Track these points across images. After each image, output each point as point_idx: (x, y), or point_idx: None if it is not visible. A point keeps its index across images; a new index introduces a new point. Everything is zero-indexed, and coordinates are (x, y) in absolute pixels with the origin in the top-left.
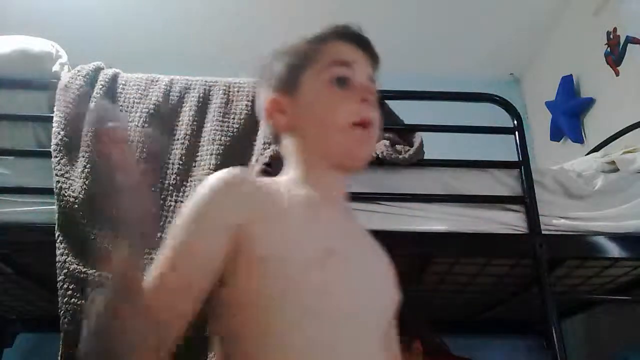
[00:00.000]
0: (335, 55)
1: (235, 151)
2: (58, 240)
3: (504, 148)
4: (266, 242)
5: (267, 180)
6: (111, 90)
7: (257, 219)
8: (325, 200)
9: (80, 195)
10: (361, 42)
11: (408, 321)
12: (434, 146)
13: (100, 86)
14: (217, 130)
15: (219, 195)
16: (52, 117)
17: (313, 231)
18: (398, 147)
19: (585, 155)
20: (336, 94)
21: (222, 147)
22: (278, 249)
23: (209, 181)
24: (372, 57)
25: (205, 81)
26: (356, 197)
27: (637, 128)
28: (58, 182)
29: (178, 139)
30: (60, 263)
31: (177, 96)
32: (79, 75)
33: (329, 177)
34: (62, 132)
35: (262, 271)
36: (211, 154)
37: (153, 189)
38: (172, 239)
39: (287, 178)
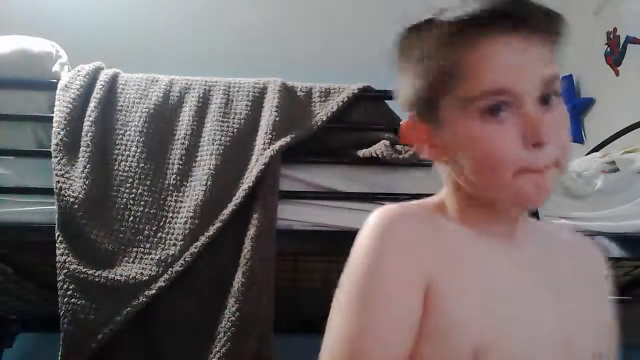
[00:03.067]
0: (490, 76)
1: (235, 151)
2: (58, 240)
3: None
4: (457, 304)
5: (421, 212)
6: (111, 90)
7: (441, 271)
8: (494, 240)
9: (80, 195)
10: (532, 23)
11: None
12: None
13: (100, 86)
14: (217, 130)
15: (395, 247)
16: (52, 117)
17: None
18: (398, 147)
19: (585, 155)
20: (492, 129)
21: (222, 147)
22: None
23: (371, 232)
24: (550, 32)
25: (205, 81)
26: (356, 197)
27: (637, 128)
28: (58, 182)
29: (178, 139)
30: (60, 263)
31: (177, 96)
32: (79, 75)
33: (493, 217)
34: (62, 132)
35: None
36: (211, 154)
37: (153, 188)
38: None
39: (438, 207)
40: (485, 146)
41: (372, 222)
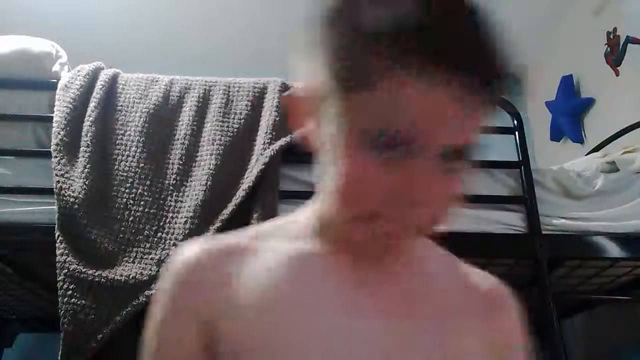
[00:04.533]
0: (390, 116)
1: (235, 151)
2: (58, 240)
3: (504, 148)
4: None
5: (242, 241)
6: (111, 90)
7: (223, 312)
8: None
9: (80, 195)
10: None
11: None
12: None
13: (100, 86)
14: (217, 130)
15: (180, 285)
16: (52, 117)
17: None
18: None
19: (585, 155)
20: (370, 162)
21: (222, 147)
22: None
23: (166, 273)
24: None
25: (205, 81)
26: None
27: (637, 128)
28: (58, 182)
29: (178, 139)
30: (60, 263)
31: (177, 96)
32: (79, 75)
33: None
34: (62, 132)
35: None
36: (211, 154)
37: (153, 188)
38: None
39: (303, 221)
40: (347, 177)
41: (171, 262)
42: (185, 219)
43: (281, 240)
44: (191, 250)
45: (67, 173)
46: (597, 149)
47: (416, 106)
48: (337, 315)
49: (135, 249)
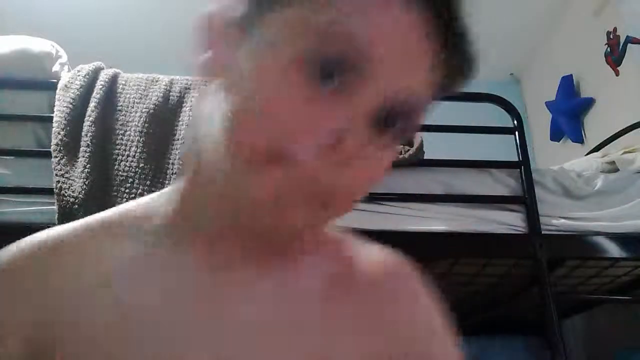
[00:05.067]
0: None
1: None
2: None
3: (504, 148)
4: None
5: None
6: (111, 90)
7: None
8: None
9: (80, 195)
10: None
11: None
12: (434, 146)
13: (100, 86)
14: None
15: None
16: (52, 117)
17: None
18: (398, 147)
19: (585, 155)
20: (306, 95)
21: None
22: None
23: None
24: (454, 50)
25: (205, 81)
26: None
27: (637, 128)
28: (58, 182)
29: (178, 139)
30: None
31: (177, 96)
32: (79, 75)
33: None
34: (62, 132)
35: None
36: None
37: (153, 189)
38: None
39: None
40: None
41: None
42: None
43: (128, 234)
44: (8, 253)
45: (67, 173)
46: (597, 149)
47: (376, 27)
48: (195, 331)
49: None
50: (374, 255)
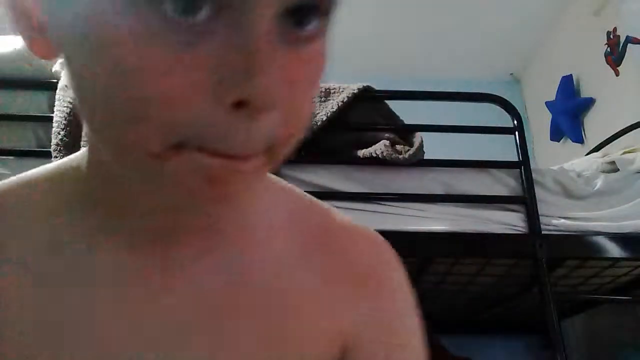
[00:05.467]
0: None
1: None
2: None
3: (504, 148)
4: None
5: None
6: None
7: None
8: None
9: None
10: None
11: None
12: (434, 146)
13: None
14: None
15: None
16: (52, 117)
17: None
18: (398, 147)
19: (585, 155)
20: (175, 40)
21: None
22: None
23: None
24: None
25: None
26: (356, 197)
27: (637, 128)
28: None
29: None
30: None
31: None
32: None
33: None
34: (62, 132)
35: None
36: None
37: None
38: None
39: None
40: (137, 78)
41: None
42: None
43: (28, 212)
44: None
45: None
46: (597, 149)
47: None
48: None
49: None
50: (349, 228)
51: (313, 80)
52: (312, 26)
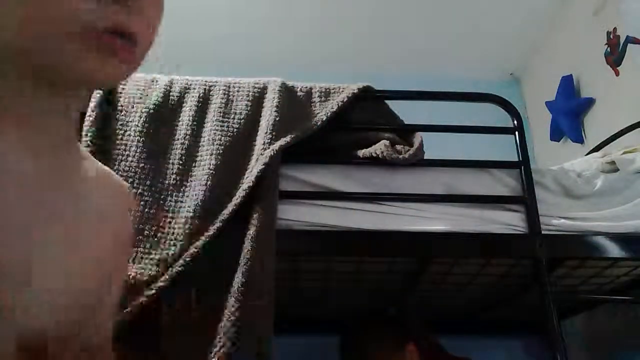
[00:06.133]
0: None
1: (235, 151)
2: None
3: (504, 148)
4: None
5: None
6: (111, 90)
7: None
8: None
9: None
10: None
11: (403, 323)
12: (434, 146)
13: None
14: (217, 130)
15: None
16: None
17: None
18: (398, 147)
19: (585, 155)
20: None
21: (222, 147)
22: None
23: None
24: None
25: (205, 81)
26: (356, 197)
27: (637, 128)
28: None
29: (178, 139)
30: None
31: (177, 96)
32: None
33: (35, 103)
34: None
35: None
36: (211, 154)
37: (153, 188)
38: None
39: None
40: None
41: None
42: (185, 219)
43: None
44: None
45: None
46: (597, 149)
47: None
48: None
49: (135, 249)
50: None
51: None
52: None
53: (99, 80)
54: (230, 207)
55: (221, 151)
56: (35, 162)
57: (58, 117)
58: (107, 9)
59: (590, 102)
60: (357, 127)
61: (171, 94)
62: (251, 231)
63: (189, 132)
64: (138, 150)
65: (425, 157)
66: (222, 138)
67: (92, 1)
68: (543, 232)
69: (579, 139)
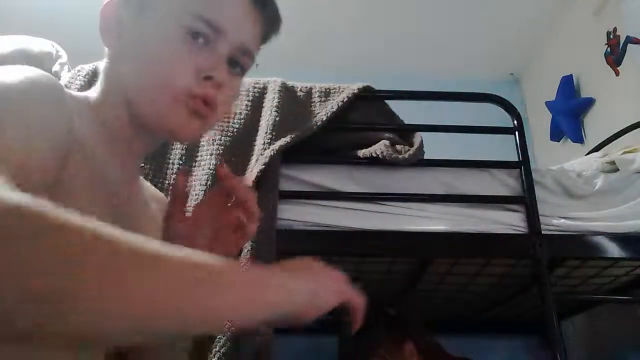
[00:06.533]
0: (203, 5)
1: (235, 151)
2: None
3: (504, 148)
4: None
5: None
6: None
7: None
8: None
9: None
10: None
11: (403, 323)
12: (434, 146)
13: None
14: (217, 130)
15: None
16: None
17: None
18: (398, 147)
19: (585, 155)
20: (188, 48)
21: (222, 147)
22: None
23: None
24: (268, 18)
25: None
26: (356, 197)
27: (637, 128)
28: None
29: None
30: None
31: None
32: (79, 75)
33: (130, 133)
34: None
35: None
36: (211, 154)
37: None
38: None
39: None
40: (170, 57)
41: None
42: None
43: (87, 111)
44: (31, 71)
45: None
46: (597, 149)
47: (232, 9)
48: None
49: None
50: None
51: (234, 94)
52: (236, 71)
53: (182, 132)
54: None
55: (221, 151)
56: (122, 169)
57: (139, 147)
58: (205, 83)
59: (590, 102)
60: (357, 127)
61: None
62: None
63: None
64: None
65: (425, 157)
66: (222, 138)
67: (195, 79)
68: (543, 232)
69: (578, 139)
